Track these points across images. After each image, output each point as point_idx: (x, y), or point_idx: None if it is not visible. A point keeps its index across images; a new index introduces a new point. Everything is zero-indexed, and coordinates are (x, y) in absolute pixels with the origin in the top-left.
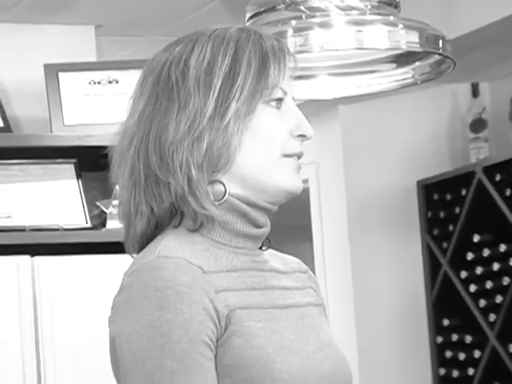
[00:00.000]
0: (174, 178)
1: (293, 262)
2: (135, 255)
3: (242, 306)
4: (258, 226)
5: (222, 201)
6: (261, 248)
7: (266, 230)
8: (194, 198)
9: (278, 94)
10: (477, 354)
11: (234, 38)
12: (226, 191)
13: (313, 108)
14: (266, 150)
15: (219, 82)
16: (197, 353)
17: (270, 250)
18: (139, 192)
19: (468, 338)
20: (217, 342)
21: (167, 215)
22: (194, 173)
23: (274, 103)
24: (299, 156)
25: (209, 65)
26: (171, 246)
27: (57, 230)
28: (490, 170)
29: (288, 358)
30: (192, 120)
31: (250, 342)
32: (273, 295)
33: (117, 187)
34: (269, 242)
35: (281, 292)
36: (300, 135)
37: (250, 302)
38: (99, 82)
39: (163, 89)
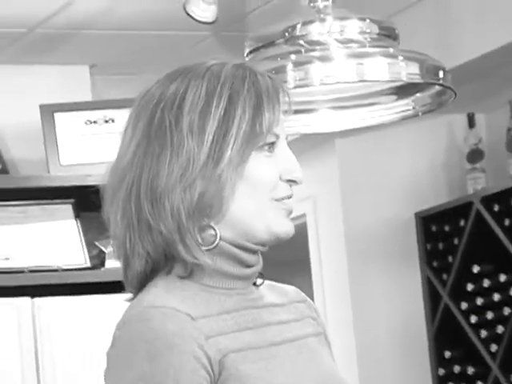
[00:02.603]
0: (165, 225)
1: (291, 291)
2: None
3: (236, 349)
4: (249, 266)
5: (212, 246)
6: (255, 284)
7: (257, 268)
8: (184, 247)
9: (271, 138)
10: None
11: (229, 79)
12: (216, 236)
13: (309, 142)
14: (256, 196)
15: (213, 129)
16: None
17: (267, 282)
18: (134, 234)
19: (470, 370)
20: None
21: (162, 259)
22: (184, 221)
23: (266, 147)
24: (289, 197)
25: (203, 109)
26: (159, 294)
27: (56, 270)
28: (487, 201)
29: None
30: (185, 168)
31: None
32: (269, 332)
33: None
34: (262, 277)
35: (277, 327)
36: (289, 180)
37: (245, 343)
38: (95, 122)
39: (156, 132)
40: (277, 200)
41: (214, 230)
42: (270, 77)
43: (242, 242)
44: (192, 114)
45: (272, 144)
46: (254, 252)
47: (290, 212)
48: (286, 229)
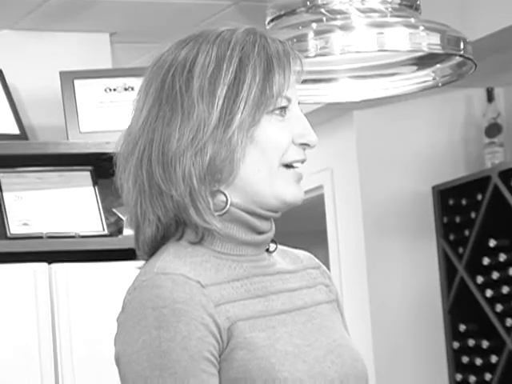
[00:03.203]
0: (177, 189)
1: (304, 257)
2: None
3: (245, 317)
4: (260, 233)
5: (223, 211)
6: (268, 250)
7: (269, 235)
8: (195, 211)
9: (283, 102)
10: (493, 359)
11: (239, 43)
12: (227, 201)
13: (327, 114)
14: (266, 160)
15: (223, 92)
16: (198, 370)
17: (280, 247)
18: (145, 201)
19: (485, 343)
20: (220, 356)
21: (173, 224)
22: (196, 185)
23: (277, 111)
24: (302, 162)
25: (213, 73)
26: (170, 261)
27: (73, 237)
28: (505, 175)
29: (295, 366)
30: (195, 132)
31: (254, 353)
32: (279, 300)
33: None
34: (275, 243)
35: (288, 295)
36: (302, 143)
37: (254, 311)
38: (115, 89)
39: (167, 97)
40: (288, 165)
41: (225, 195)
42: (282, 41)
43: (253, 208)
44: (202, 78)
45: (284, 108)
46: (265, 218)
47: (300, 178)
48: (294, 194)
